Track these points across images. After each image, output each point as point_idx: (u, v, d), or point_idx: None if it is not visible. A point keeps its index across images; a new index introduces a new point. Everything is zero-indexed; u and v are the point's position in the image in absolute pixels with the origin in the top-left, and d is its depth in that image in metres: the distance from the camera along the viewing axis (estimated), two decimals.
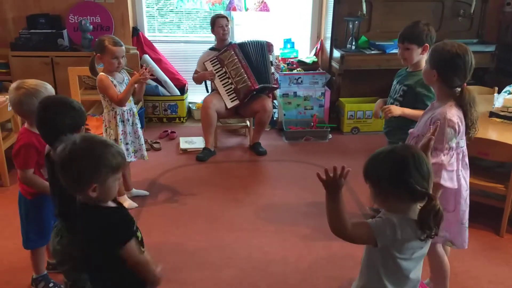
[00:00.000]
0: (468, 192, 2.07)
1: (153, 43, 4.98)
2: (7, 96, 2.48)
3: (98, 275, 1.53)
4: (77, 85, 3.97)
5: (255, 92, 4.12)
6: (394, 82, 2.62)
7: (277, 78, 4.28)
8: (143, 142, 3.17)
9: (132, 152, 3.10)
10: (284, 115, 4.75)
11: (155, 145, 4.30)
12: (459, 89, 1.95)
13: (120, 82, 3.01)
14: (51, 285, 2.34)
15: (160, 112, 4.96)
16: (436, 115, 1.92)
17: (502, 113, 3.18)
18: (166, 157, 4.11)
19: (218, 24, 4.11)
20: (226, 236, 2.88)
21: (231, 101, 4.10)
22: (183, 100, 4.96)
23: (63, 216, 1.81)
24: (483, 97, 3.57)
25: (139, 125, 3.15)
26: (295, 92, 4.73)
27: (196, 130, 4.53)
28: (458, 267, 2.55)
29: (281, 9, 5.03)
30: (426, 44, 2.43)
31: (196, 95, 5.04)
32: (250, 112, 4.21)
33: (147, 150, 3.77)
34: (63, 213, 1.81)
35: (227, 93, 4.11)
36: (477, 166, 2.26)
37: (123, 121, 3.04)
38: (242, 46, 4.15)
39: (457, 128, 1.92)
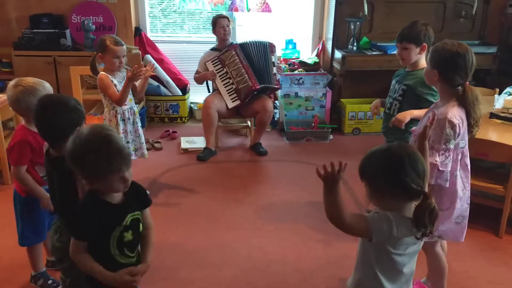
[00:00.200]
0: (467, 192, 2.07)
1: (156, 43, 5.00)
2: None
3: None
4: (79, 84, 3.99)
5: (256, 92, 4.13)
6: (393, 82, 2.62)
7: (278, 78, 4.29)
8: (143, 141, 3.18)
9: (133, 151, 3.12)
10: (285, 115, 4.76)
11: (156, 145, 4.31)
12: (461, 88, 1.95)
13: (120, 82, 3.03)
14: (49, 282, 2.36)
15: (161, 112, 4.98)
16: (438, 114, 1.93)
17: (502, 114, 3.18)
18: (167, 156, 4.13)
19: (219, 24, 4.12)
20: (226, 236, 2.88)
21: (232, 101, 4.11)
22: (185, 100, 4.97)
23: (61, 213, 1.81)
24: (484, 98, 3.52)
25: (139, 124, 3.16)
26: (296, 93, 4.74)
27: (198, 130, 4.55)
28: (457, 267, 2.55)
29: (283, 10, 5.04)
30: (424, 44, 2.44)
31: (198, 95, 5.05)
32: (251, 112, 4.22)
33: (148, 149, 3.79)
34: (61, 210, 1.82)
35: (228, 93, 4.12)
36: (477, 167, 2.26)
37: (123, 120, 3.05)
38: (243, 46, 4.17)
39: (457, 130, 1.92)
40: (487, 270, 2.60)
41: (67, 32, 4.60)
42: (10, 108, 2.26)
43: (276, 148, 4.35)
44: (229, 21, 4.20)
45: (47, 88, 2.19)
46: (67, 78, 4.07)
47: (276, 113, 4.84)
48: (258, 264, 2.61)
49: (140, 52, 4.72)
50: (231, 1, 4.89)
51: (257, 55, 4.16)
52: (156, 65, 4.77)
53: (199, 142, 4.31)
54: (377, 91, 4.65)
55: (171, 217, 3.09)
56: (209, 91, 4.37)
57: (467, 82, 1.97)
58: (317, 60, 4.96)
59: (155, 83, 4.87)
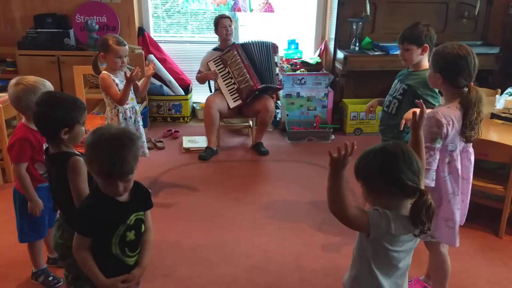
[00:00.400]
0: (458, 197, 2.05)
1: (159, 43, 5.03)
2: None
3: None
4: (82, 83, 4.03)
5: (257, 92, 4.14)
6: (395, 81, 2.62)
7: (281, 79, 4.30)
8: (144, 140, 3.21)
9: None
10: (287, 115, 4.77)
11: (158, 144, 4.33)
12: (466, 89, 1.95)
13: (122, 81, 3.04)
14: (50, 278, 2.38)
15: (164, 111, 5.01)
16: (429, 112, 1.93)
17: (503, 115, 3.17)
18: (169, 156, 4.15)
19: (222, 24, 4.14)
20: (225, 234, 2.90)
21: (234, 101, 4.13)
22: (187, 100, 5.00)
23: (62, 209, 1.84)
24: (486, 99, 3.55)
25: (141, 123, 3.19)
26: (298, 93, 4.75)
27: (200, 129, 4.57)
28: (456, 267, 2.54)
29: (285, 10, 5.05)
30: (426, 45, 2.43)
31: (200, 95, 5.07)
32: (252, 112, 4.24)
33: (151, 148, 3.82)
34: (61, 206, 1.84)
35: (230, 93, 4.14)
36: (479, 168, 2.26)
37: (125, 119, 3.07)
38: (245, 46, 4.19)
39: (444, 130, 1.92)
40: (486, 270, 2.60)
41: (71, 32, 4.63)
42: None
43: (277, 148, 4.36)
44: (231, 21, 4.22)
45: (48, 86, 2.22)
46: (71, 77, 4.11)
47: (278, 113, 4.86)
48: (257, 263, 2.62)
49: (143, 52, 4.74)
50: (234, 1, 4.90)
51: (259, 55, 4.18)
52: (158, 64, 4.80)
53: (201, 142, 4.33)
54: (379, 92, 4.63)
55: (171, 216, 3.11)
56: (211, 91, 4.39)
57: (472, 83, 1.97)
58: (319, 60, 4.96)
59: (158, 83, 4.90)
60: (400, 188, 1.42)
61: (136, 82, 3.18)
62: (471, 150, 2.10)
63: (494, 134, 2.95)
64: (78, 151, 1.86)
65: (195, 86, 4.98)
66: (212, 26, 4.27)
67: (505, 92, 3.39)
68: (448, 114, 1.94)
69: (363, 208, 1.47)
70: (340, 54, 4.69)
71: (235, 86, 4.13)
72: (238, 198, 3.38)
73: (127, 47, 3.01)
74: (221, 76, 4.16)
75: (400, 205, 1.47)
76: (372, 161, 1.46)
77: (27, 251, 2.39)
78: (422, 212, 1.41)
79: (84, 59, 4.26)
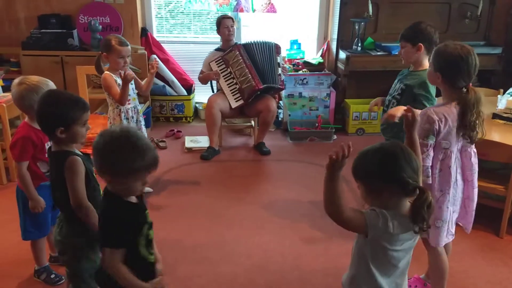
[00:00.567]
0: (447, 196, 2.03)
1: (162, 44, 5.05)
2: None
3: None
4: (85, 83, 4.06)
5: (259, 92, 4.15)
6: (395, 81, 2.63)
7: (283, 79, 4.31)
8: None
9: None
10: (289, 115, 4.78)
11: (160, 144, 4.36)
12: (465, 90, 1.95)
13: None
14: (52, 276, 2.41)
15: (167, 111, 5.03)
16: (423, 110, 1.94)
17: (505, 115, 3.17)
18: (171, 155, 4.17)
19: (224, 25, 4.16)
20: (226, 233, 2.91)
21: (236, 101, 4.14)
22: (190, 100, 5.02)
23: (61, 207, 1.85)
24: (488, 99, 3.55)
25: (143, 123, 3.21)
26: (300, 93, 4.76)
27: (202, 129, 4.58)
28: (456, 267, 2.55)
29: (288, 10, 5.06)
30: (420, 44, 2.42)
31: (203, 95, 5.09)
32: (254, 112, 4.25)
33: None
34: (58, 204, 1.86)
35: (231, 93, 4.16)
36: (479, 168, 2.26)
37: (127, 119, 3.10)
38: (247, 46, 4.20)
39: (435, 126, 1.92)
40: (486, 270, 2.60)
41: (75, 32, 4.66)
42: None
43: (279, 148, 4.37)
44: (233, 21, 4.23)
45: (51, 86, 2.24)
46: (74, 77, 4.14)
47: (280, 113, 4.87)
48: (257, 262, 2.63)
49: (146, 52, 4.77)
50: (236, 2, 4.92)
51: (261, 55, 4.19)
52: (161, 64, 4.82)
53: (203, 142, 4.35)
54: (381, 92, 4.60)
55: (172, 214, 3.13)
56: (213, 91, 4.41)
57: (471, 84, 1.97)
58: (321, 61, 4.97)
59: (161, 83, 4.93)
60: (401, 186, 1.42)
61: (139, 80, 3.21)
62: (470, 149, 2.08)
63: (495, 134, 2.95)
64: (80, 152, 1.88)
65: (198, 86, 4.99)
66: (215, 27, 4.28)
67: (507, 92, 3.39)
68: (441, 111, 1.94)
69: (360, 210, 1.48)
70: (342, 54, 4.70)
71: (237, 86, 4.14)
72: (239, 198, 3.39)
73: (129, 47, 3.04)
74: (223, 76, 4.17)
75: (399, 204, 1.48)
76: (371, 161, 1.46)
77: (30, 249, 2.41)
78: (423, 209, 1.41)
79: (88, 59, 4.29)
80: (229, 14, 4.65)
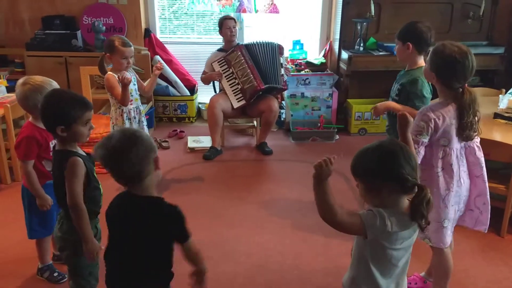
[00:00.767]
0: (452, 193, 2.04)
1: (165, 45, 5.08)
2: None
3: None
4: (89, 84, 4.09)
5: (261, 93, 4.17)
6: (394, 82, 2.65)
7: (285, 80, 4.33)
8: None
9: None
10: (292, 115, 4.79)
11: (163, 144, 4.38)
12: (460, 90, 1.96)
13: None
14: (55, 274, 2.44)
15: (170, 112, 5.06)
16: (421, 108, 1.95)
17: (506, 115, 3.17)
18: (174, 155, 4.19)
19: (226, 25, 4.18)
20: (227, 232, 2.93)
21: (238, 101, 4.16)
22: (193, 100, 5.04)
23: (62, 204, 1.88)
24: (489, 98, 3.57)
25: (145, 123, 3.23)
26: (302, 93, 4.77)
27: (205, 129, 4.58)
28: (457, 266, 2.53)
29: (290, 11, 5.07)
30: (409, 43, 2.42)
31: (206, 95, 5.09)
32: (256, 112, 4.27)
33: None
34: (60, 202, 1.89)
35: (233, 93, 4.18)
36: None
37: (129, 119, 3.12)
38: (249, 47, 4.22)
39: (431, 125, 1.93)
40: (487, 269, 2.60)
41: (78, 33, 4.70)
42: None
43: (281, 148, 4.39)
44: (235, 22, 4.25)
45: (54, 86, 2.27)
46: (78, 78, 4.18)
47: (282, 113, 4.88)
48: (257, 261, 2.65)
49: (149, 53, 4.80)
50: (239, 3, 4.94)
51: (264, 56, 4.21)
52: (164, 65, 4.84)
53: (205, 142, 4.37)
54: (383, 92, 4.65)
55: None
56: (215, 92, 4.43)
57: (466, 85, 1.97)
58: (324, 61, 4.98)
59: (164, 84, 4.95)
60: (400, 184, 1.43)
61: (141, 82, 3.24)
62: (473, 145, 2.09)
63: (497, 133, 2.95)
64: (83, 152, 1.90)
65: (201, 86, 5.02)
66: (218, 28, 4.30)
67: (509, 91, 3.39)
68: (438, 109, 1.95)
69: (357, 211, 1.48)
70: (344, 55, 4.71)
71: (239, 87, 4.16)
72: (241, 197, 3.41)
73: (132, 48, 3.06)
74: (225, 76, 4.19)
75: (398, 202, 1.48)
76: (371, 158, 1.48)
77: (33, 248, 2.44)
78: (422, 206, 1.43)
79: (91, 60, 4.31)
80: (232, 14, 4.67)
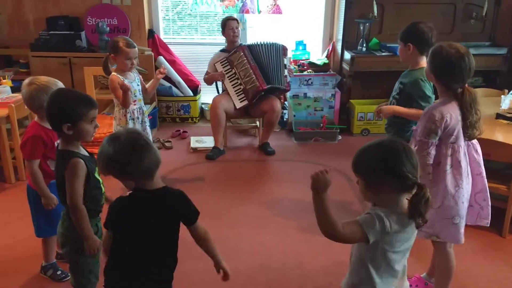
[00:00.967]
0: (461, 190, 2.05)
1: (169, 45, 5.10)
2: None
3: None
4: (92, 84, 4.12)
5: (263, 93, 4.19)
6: (397, 81, 2.66)
7: (289, 81, 4.34)
8: (151, 139, 3.27)
9: None
10: (294, 116, 4.81)
11: (166, 144, 4.41)
12: (460, 90, 1.97)
13: (131, 82, 3.12)
14: (58, 272, 2.46)
15: (173, 112, 5.08)
16: (427, 108, 1.96)
17: (508, 115, 3.18)
18: (177, 155, 4.21)
19: (229, 26, 4.20)
20: (229, 231, 2.95)
21: (240, 102, 4.18)
22: (196, 100, 5.07)
23: (64, 202, 1.90)
24: (491, 99, 3.57)
25: (148, 123, 3.26)
26: (305, 93, 4.79)
27: (208, 130, 4.61)
28: (458, 265, 2.52)
29: (293, 12, 5.09)
30: (410, 44, 2.44)
31: (209, 96, 5.12)
32: (259, 113, 4.28)
33: (159, 148, 3.89)
34: (63, 200, 1.91)
35: (236, 93, 4.19)
36: (484, 168, 2.28)
37: (132, 119, 3.14)
38: (252, 47, 4.24)
39: (438, 124, 1.94)
40: (488, 269, 2.61)
41: (83, 34, 4.73)
42: (26, 107, 2.37)
43: (284, 148, 4.40)
44: (238, 23, 4.27)
45: (59, 86, 2.29)
46: (82, 78, 4.20)
47: (285, 113, 4.90)
48: (259, 260, 2.66)
49: (153, 54, 4.83)
50: (242, 3, 4.96)
51: (266, 56, 4.22)
52: (168, 67, 4.87)
53: (208, 142, 4.39)
54: (386, 92, 4.62)
55: None
56: (218, 92, 4.45)
57: (466, 85, 1.99)
58: (326, 61, 4.99)
59: (167, 84, 4.98)
60: (400, 181, 1.44)
61: (143, 83, 3.27)
62: (474, 142, 2.12)
63: (499, 134, 2.96)
64: (86, 151, 1.93)
65: (204, 87, 5.04)
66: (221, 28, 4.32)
67: (510, 92, 3.39)
68: (444, 109, 1.96)
69: (354, 219, 1.48)
70: (347, 55, 4.72)
71: (242, 87, 4.18)
72: (243, 197, 3.43)
73: (136, 49, 3.09)
74: (228, 77, 4.21)
75: (397, 200, 1.49)
76: (373, 156, 1.48)
77: (37, 246, 2.47)
78: (421, 204, 1.43)
79: (95, 61, 4.34)
80: (235, 15, 4.69)
